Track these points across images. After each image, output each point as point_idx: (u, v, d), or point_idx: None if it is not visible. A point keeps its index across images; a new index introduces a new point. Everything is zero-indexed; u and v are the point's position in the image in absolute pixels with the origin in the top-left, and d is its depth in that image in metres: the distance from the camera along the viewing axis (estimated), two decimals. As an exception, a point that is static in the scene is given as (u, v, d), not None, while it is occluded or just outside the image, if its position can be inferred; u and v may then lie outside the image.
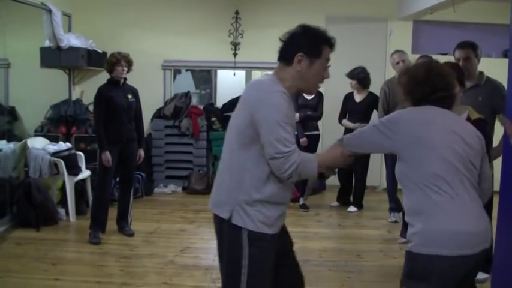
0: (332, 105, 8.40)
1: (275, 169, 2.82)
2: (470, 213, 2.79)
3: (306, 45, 2.93)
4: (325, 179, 3.23)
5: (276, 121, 2.78)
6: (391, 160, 7.08)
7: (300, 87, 3.01)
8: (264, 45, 9.27)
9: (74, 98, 9.21)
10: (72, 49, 8.44)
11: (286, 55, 2.98)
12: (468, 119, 3.93)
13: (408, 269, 2.88)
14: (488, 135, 4.01)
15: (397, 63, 7.10)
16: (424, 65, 3.11)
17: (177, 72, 10.00)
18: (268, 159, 2.82)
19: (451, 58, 5.18)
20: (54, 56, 8.43)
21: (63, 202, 7.33)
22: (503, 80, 4.77)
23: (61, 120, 8.87)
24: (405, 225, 6.38)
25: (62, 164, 7.15)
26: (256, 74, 10.89)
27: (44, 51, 8.49)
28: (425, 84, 3.01)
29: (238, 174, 2.93)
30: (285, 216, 3.13)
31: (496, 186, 4.54)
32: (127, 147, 6.43)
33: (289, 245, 3.38)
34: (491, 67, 5.68)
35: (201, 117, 9.29)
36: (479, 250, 2.78)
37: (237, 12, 9.38)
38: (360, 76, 7.89)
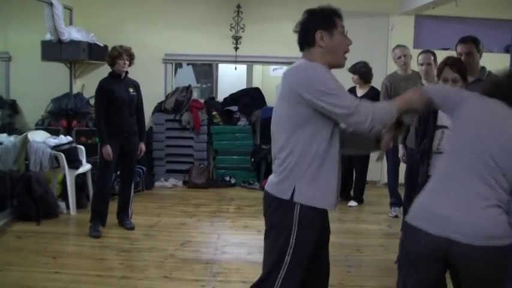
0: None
1: (355, 126, 2.92)
2: (455, 197, 2.80)
3: (320, 22, 3.06)
4: (403, 129, 3.29)
5: (330, 89, 2.87)
6: (392, 155, 7.07)
7: (331, 61, 3.07)
8: (266, 39, 9.30)
9: (75, 91, 9.20)
10: (73, 42, 8.43)
11: (307, 39, 3.08)
12: None
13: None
14: None
15: (399, 57, 7.10)
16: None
17: (178, 66, 9.99)
18: (342, 121, 2.94)
19: (453, 53, 5.18)
20: (55, 50, 8.42)
21: (64, 195, 7.33)
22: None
23: (62, 114, 8.86)
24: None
25: (62, 157, 7.15)
26: (257, 68, 10.91)
27: (45, 44, 8.48)
28: None
29: (296, 154, 2.98)
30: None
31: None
32: (128, 140, 6.42)
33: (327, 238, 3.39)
34: (493, 62, 5.64)
35: (202, 111, 9.27)
36: (445, 235, 2.77)
37: (238, 6, 9.36)
38: (362, 71, 7.88)
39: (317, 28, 3.05)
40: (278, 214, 3.04)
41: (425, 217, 2.87)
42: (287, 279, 3.02)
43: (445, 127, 4.03)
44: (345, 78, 8.06)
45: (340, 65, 3.15)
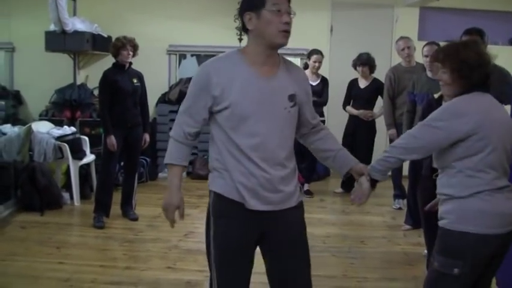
0: (337, 91, 8.36)
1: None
2: (504, 194, 2.91)
3: (248, 2, 2.86)
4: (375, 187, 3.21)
5: (189, 90, 2.93)
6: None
7: (263, 43, 2.85)
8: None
9: (78, 82, 9.21)
10: (77, 33, 8.44)
11: (242, 24, 2.93)
12: None
13: (441, 245, 2.95)
14: None
15: (402, 49, 7.08)
16: (473, 48, 3.01)
17: (182, 57, 9.96)
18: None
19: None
20: (59, 40, 8.42)
21: (68, 186, 7.34)
22: (510, 68, 4.75)
23: (66, 105, 8.88)
24: (409, 212, 6.41)
25: (66, 148, 7.16)
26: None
27: (48, 35, 8.48)
28: (481, 68, 2.96)
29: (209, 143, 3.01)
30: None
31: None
32: (132, 131, 6.42)
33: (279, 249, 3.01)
34: (497, 54, 5.65)
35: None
36: (510, 229, 2.88)
37: (242, -3, 9.32)
38: (371, 62, 7.86)
39: (244, 10, 2.86)
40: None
41: (504, 224, 2.88)
42: (219, 277, 2.91)
43: None
44: (347, 69, 8.08)
45: (278, 44, 2.87)
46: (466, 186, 2.86)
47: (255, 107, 2.80)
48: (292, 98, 2.91)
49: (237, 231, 2.87)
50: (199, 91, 2.85)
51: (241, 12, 2.89)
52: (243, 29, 2.93)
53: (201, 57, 9.71)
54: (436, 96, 4.49)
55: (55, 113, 8.90)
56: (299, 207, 3.05)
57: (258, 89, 2.83)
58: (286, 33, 2.82)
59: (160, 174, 9.12)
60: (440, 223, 2.97)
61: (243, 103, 2.79)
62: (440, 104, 4.25)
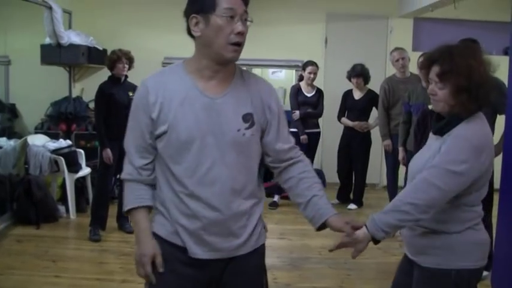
0: (331, 103, 8.38)
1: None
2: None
3: (194, 3, 2.36)
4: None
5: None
6: (391, 158, 7.09)
7: (210, 55, 2.36)
8: (264, 43, 9.30)
9: (74, 95, 9.22)
10: (72, 46, 8.45)
11: (187, 27, 2.41)
12: None
13: None
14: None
15: (397, 60, 7.11)
16: (468, 54, 2.62)
17: (177, 69, 9.98)
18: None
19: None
20: (54, 53, 8.44)
21: (64, 199, 7.33)
22: (504, 78, 4.77)
23: (61, 118, 8.87)
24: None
25: (62, 161, 7.15)
26: (256, 72, 10.89)
27: (44, 48, 8.49)
28: (488, 85, 2.61)
29: None
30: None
31: (496, 184, 4.57)
32: (127, 144, 6.41)
33: None
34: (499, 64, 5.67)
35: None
36: None
37: (237, 10, 9.36)
38: (365, 73, 7.89)
39: (191, 11, 2.35)
40: None
41: (487, 254, 2.74)
42: None
43: None
44: (342, 80, 8.11)
45: (225, 59, 2.36)
46: (462, 221, 2.60)
47: (198, 131, 2.32)
48: (247, 118, 2.40)
49: (176, 283, 2.43)
50: (138, 113, 2.40)
51: (187, 13, 2.38)
52: (189, 33, 2.42)
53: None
54: (430, 107, 4.49)
55: (51, 126, 8.89)
56: (258, 252, 2.55)
57: (202, 108, 2.34)
58: (238, 46, 2.34)
59: (156, 187, 9.10)
60: (428, 263, 2.66)
61: (182, 127, 2.32)
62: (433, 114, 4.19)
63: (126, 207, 2.47)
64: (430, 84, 2.63)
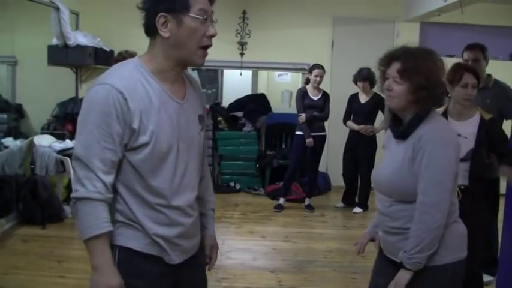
0: (337, 106, 8.38)
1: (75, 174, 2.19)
2: None
3: (163, 1, 2.18)
4: None
5: (82, 122, 2.20)
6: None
7: (178, 57, 2.23)
8: (271, 45, 9.33)
9: (80, 96, 9.24)
10: (79, 47, 8.46)
11: (148, 23, 2.25)
12: (482, 119, 3.96)
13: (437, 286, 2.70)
14: (503, 134, 4.04)
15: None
16: (437, 59, 2.74)
17: (183, 71, 10.00)
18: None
19: (459, 60, 5.17)
20: (61, 54, 8.45)
21: (69, 200, 7.33)
22: (510, 82, 4.77)
23: (67, 118, 8.88)
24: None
25: (68, 161, 7.16)
26: (263, 74, 10.94)
27: (51, 49, 8.51)
28: (443, 88, 2.79)
29: None
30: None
31: (502, 189, 4.57)
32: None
33: None
34: (497, 69, 5.67)
35: (207, 116, 9.25)
36: None
37: (244, 12, 9.39)
38: (371, 77, 7.89)
39: (159, 9, 2.17)
40: None
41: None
42: None
43: (458, 135, 3.63)
44: (348, 84, 8.11)
45: (193, 64, 2.27)
46: (449, 215, 2.61)
47: (175, 139, 2.24)
48: (201, 119, 2.41)
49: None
50: (109, 121, 2.11)
51: (152, 10, 2.22)
52: (148, 31, 2.29)
53: (202, 72, 9.76)
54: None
55: (57, 126, 8.91)
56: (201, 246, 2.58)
57: (175, 114, 2.25)
58: (206, 50, 2.27)
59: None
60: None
61: (163, 136, 2.20)
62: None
63: (89, 234, 2.13)
64: (387, 80, 2.74)
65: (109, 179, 2.13)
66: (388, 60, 2.76)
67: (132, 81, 2.17)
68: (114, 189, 2.20)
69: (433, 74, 2.62)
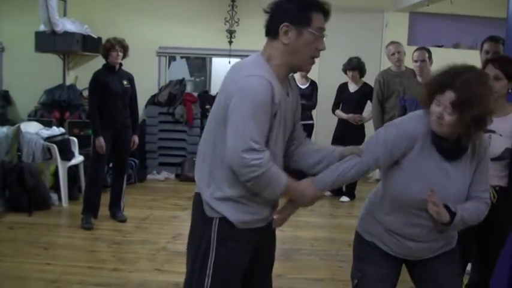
0: (326, 95, 8.39)
1: (235, 168, 2.46)
2: None
3: (292, 13, 2.52)
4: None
5: (246, 111, 2.42)
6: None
7: (292, 62, 2.58)
8: (260, 34, 9.23)
9: (68, 83, 9.19)
10: (67, 34, 8.43)
11: (271, 27, 2.58)
12: None
13: None
14: None
15: (393, 54, 7.10)
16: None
17: (172, 59, 9.98)
18: (227, 154, 2.47)
19: (446, 50, 5.17)
20: (49, 41, 8.41)
21: (56, 187, 7.31)
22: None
23: (55, 105, 8.86)
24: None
25: (55, 148, 7.14)
26: (251, 63, 10.88)
27: (38, 35, 8.46)
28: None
29: (215, 159, 2.60)
30: (265, 223, 2.74)
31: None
32: (121, 133, 6.41)
33: (267, 265, 2.95)
34: (486, 60, 5.67)
35: (195, 105, 9.28)
36: None
37: (233, 0, 9.35)
38: (361, 66, 7.90)
39: (284, 19, 2.51)
40: (200, 221, 2.71)
41: None
42: None
43: (492, 131, 3.53)
44: (337, 73, 8.11)
45: (301, 70, 2.74)
46: None
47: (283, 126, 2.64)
48: (295, 114, 2.81)
49: (244, 256, 2.68)
50: (266, 112, 2.47)
51: (279, 19, 2.54)
52: (271, 33, 2.60)
53: (191, 60, 9.75)
54: None
55: (44, 113, 8.88)
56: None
57: (287, 109, 2.64)
58: (314, 60, 2.63)
59: (149, 176, 9.11)
60: (450, 246, 2.93)
61: (280, 125, 2.59)
62: None
63: (284, 183, 2.55)
64: (437, 106, 2.61)
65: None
66: (440, 87, 2.62)
67: (272, 79, 2.50)
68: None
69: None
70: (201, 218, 2.68)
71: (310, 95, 7.99)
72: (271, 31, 2.57)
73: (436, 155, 2.68)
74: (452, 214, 2.64)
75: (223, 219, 2.59)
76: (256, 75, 2.46)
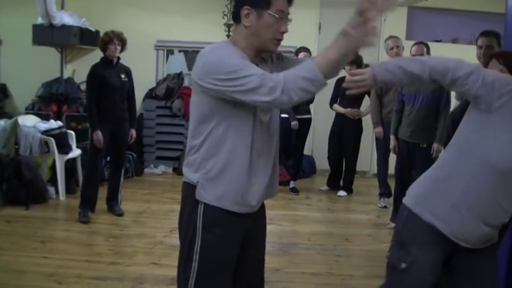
0: (324, 89, 8.33)
1: (265, 101, 2.44)
2: None
3: None
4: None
5: (232, 64, 2.46)
6: (382, 146, 7.11)
7: (255, 44, 2.62)
8: (258, 28, 9.28)
9: (65, 76, 9.17)
10: (64, 27, 8.40)
11: (235, 12, 2.65)
12: None
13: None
14: None
15: (391, 48, 7.10)
16: None
17: (169, 52, 9.95)
18: (248, 101, 2.47)
19: (445, 45, 5.17)
20: (46, 34, 8.39)
21: (53, 180, 7.31)
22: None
23: (52, 99, 8.85)
24: (396, 210, 6.43)
25: (52, 142, 7.13)
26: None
27: (36, 28, 8.44)
28: None
29: (202, 148, 2.65)
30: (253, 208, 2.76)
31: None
32: (119, 127, 6.41)
33: (258, 256, 3.02)
34: (484, 55, 5.67)
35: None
36: None
37: (231, -6, 9.34)
38: (359, 60, 7.88)
39: (245, 3, 2.57)
40: (188, 206, 2.76)
41: None
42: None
43: None
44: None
45: (268, 50, 2.69)
46: None
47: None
48: None
49: (230, 241, 2.72)
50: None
51: (239, 3, 2.62)
52: (235, 18, 2.66)
53: (189, 53, 9.72)
54: None
55: (41, 107, 8.87)
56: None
57: None
58: (279, 42, 2.66)
59: (146, 170, 9.11)
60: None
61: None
62: None
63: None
64: None
65: None
66: None
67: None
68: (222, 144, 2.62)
69: None
70: (187, 204, 2.75)
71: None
72: (235, 16, 2.64)
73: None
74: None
75: (207, 205, 2.65)
76: (220, 46, 2.60)
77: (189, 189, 2.73)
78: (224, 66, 2.46)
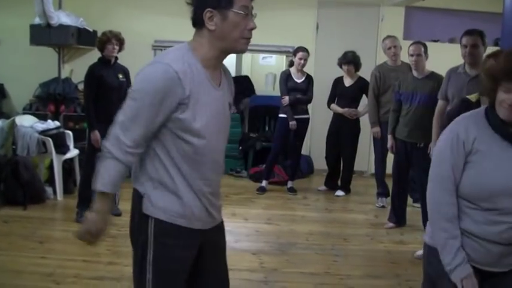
0: (322, 89, 8.38)
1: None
2: None
3: None
4: None
5: (134, 94, 2.53)
6: (380, 145, 7.12)
7: (223, 47, 2.48)
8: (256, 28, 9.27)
9: (63, 76, 9.16)
10: (62, 27, 8.39)
11: (196, 17, 2.47)
12: None
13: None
14: None
15: (389, 48, 7.12)
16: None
17: (167, 52, 9.96)
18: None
19: (442, 45, 5.18)
20: (44, 34, 8.37)
21: (51, 181, 7.30)
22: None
23: (50, 99, 8.84)
24: (393, 210, 6.44)
25: (50, 142, 7.12)
26: (247, 57, 10.88)
27: (33, 28, 8.43)
28: None
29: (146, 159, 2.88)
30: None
31: None
32: (116, 126, 6.39)
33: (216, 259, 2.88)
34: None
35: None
36: None
37: (228, -6, 9.32)
38: (356, 60, 7.90)
39: (205, 5, 2.40)
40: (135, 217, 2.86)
41: None
42: None
43: None
44: (332, 67, 8.10)
45: (237, 51, 2.56)
46: None
47: (214, 120, 2.54)
48: (230, 106, 2.71)
49: (183, 252, 2.68)
50: (164, 96, 2.41)
51: (200, 6, 2.43)
52: (196, 24, 2.50)
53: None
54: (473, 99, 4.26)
55: (39, 107, 8.86)
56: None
57: (215, 101, 2.54)
58: (248, 40, 2.52)
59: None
60: None
61: (203, 118, 2.48)
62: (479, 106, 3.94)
63: (106, 188, 2.78)
64: (506, 93, 2.55)
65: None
66: (508, 73, 2.56)
67: (186, 64, 2.42)
68: (158, 158, 2.80)
69: None
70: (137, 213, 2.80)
71: (306, 89, 7.97)
72: (197, 21, 2.48)
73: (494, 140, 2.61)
74: None
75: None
76: (161, 63, 2.45)
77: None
78: (137, 83, 2.49)
